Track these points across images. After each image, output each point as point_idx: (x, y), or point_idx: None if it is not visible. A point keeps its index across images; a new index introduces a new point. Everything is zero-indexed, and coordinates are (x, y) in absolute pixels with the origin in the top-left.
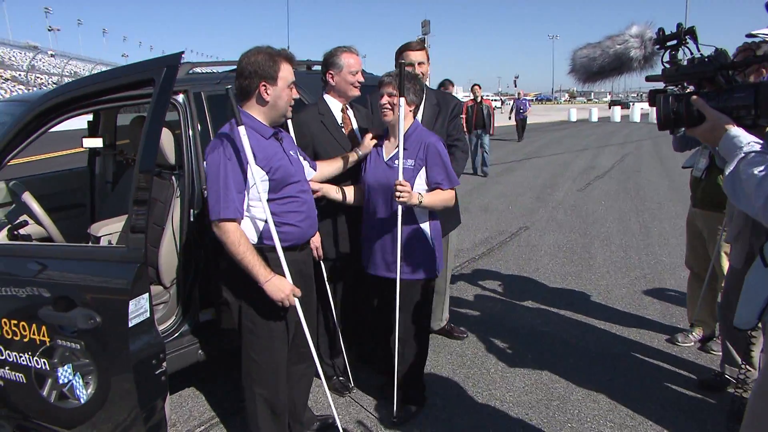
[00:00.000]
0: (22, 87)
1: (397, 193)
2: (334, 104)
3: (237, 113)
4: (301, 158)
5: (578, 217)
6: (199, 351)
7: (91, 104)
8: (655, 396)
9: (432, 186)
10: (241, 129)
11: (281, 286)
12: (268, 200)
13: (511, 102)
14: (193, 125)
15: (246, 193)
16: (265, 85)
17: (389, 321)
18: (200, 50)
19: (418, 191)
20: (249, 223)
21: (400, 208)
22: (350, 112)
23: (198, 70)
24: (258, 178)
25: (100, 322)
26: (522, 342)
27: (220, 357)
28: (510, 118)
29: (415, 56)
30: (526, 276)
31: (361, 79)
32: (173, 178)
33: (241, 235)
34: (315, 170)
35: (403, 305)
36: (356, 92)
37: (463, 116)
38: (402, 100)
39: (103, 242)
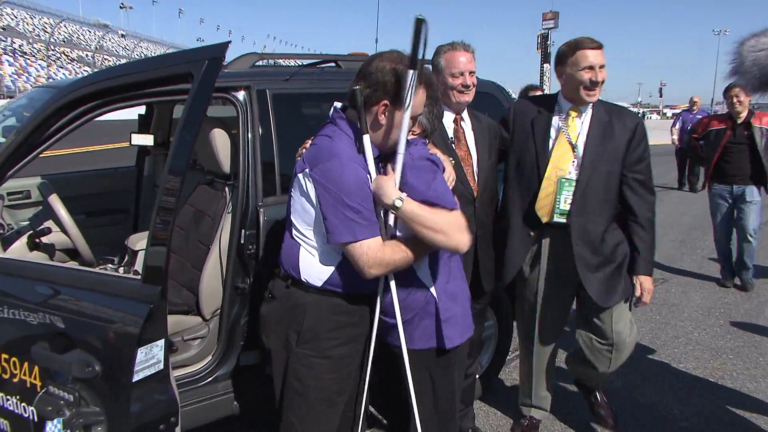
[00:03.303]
0: (88, 68)
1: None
2: (446, 114)
3: (363, 121)
4: None
5: None
6: (234, 402)
7: (125, 99)
8: None
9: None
10: (366, 139)
11: None
12: None
13: (673, 114)
14: (253, 128)
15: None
16: (386, 105)
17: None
18: (285, 38)
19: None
20: (323, 261)
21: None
22: (466, 124)
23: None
24: None
25: (100, 372)
26: None
27: (256, 411)
28: (673, 135)
29: (595, 57)
30: (661, 347)
31: (468, 82)
32: (226, 189)
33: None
34: None
35: (415, 384)
36: (462, 98)
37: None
38: (413, 73)
39: (141, 258)
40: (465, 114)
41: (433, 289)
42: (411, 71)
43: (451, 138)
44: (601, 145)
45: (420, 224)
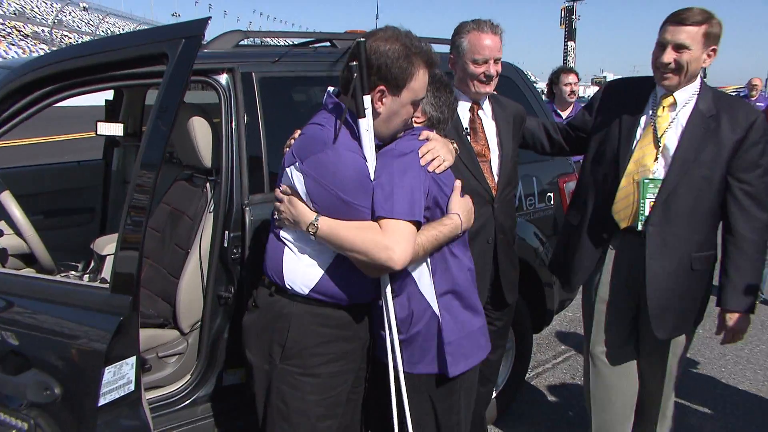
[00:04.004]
0: (44, 46)
1: (276, 205)
2: (461, 102)
3: (360, 100)
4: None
5: None
6: (216, 428)
7: (89, 82)
8: None
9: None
10: (363, 123)
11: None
12: None
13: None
14: (238, 116)
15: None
16: (383, 91)
17: None
18: (273, 14)
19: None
20: (310, 265)
21: None
22: (484, 113)
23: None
24: None
25: (59, 395)
26: None
27: None
28: None
29: (681, 35)
30: (705, 365)
31: (491, 72)
32: (207, 185)
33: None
34: None
35: (415, 413)
36: (483, 89)
37: None
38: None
39: (109, 264)
40: (485, 101)
41: (435, 305)
42: (365, 96)
43: (466, 129)
44: (698, 143)
45: (337, 246)
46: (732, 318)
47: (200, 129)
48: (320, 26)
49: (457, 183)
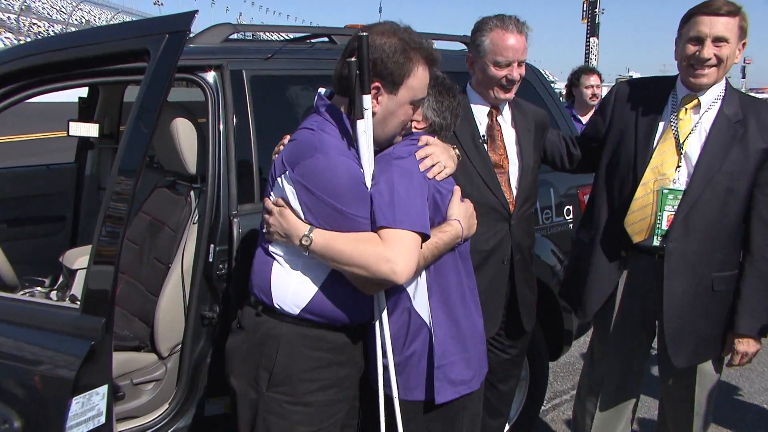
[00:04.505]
0: (10, 35)
1: (266, 217)
2: (478, 106)
3: (359, 100)
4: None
5: None
6: None
7: (61, 79)
8: None
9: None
10: (361, 125)
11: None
12: None
13: None
14: (226, 118)
15: None
16: (378, 88)
17: None
18: (267, 5)
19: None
20: (302, 282)
21: None
22: (504, 119)
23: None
24: None
25: (19, 429)
26: None
27: None
28: None
29: (719, 26)
30: (750, 398)
31: (515, 76)
32: (191, 194)
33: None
34: None
35: None
36: (503, 95)
37: None
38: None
39: (80, 278)
40: (504, 106)
41: (431, 323)
42: (365, 96)
43: (483, 137)
44: (724, 150)
45: (333, 260)
46: (741, 342)
47: (184, 131)
48: (319, 20)
49: (457, 187)
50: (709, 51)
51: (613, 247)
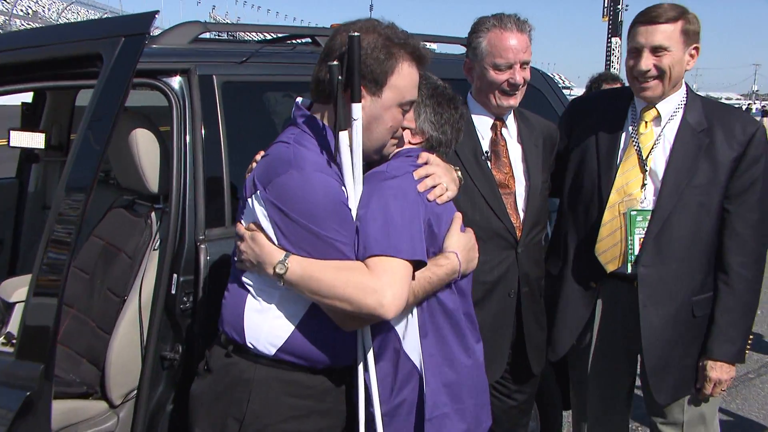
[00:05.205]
0: None
1: (237, 244)
2: (481, 117)
3: (341, 110)
4: None
5: None
6: None
7: (1, 83)
8: None
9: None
10: (344, 137)
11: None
12: None
13: None
14: (194, 129)
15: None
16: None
17: None
18: (262, 2)
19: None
20: (278, 317)
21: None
22: (510, 132)
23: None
24: None
25: None
26: None
27: None
28: None
29: (656, 35)
30: None
31: (517, 79)
32: (152, 215)
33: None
34: None
35: None
36: (506, 101)
37: None
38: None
39: (18, 313)
40: (509, 117)
41: (422, 368)
42: (353, 104)
43: (487, 153)
44: (690, 163)
45: (312, 291)
46: (714, 368)
47: (145, 144)
48: (302, 17)
49: (457, 214)
50: (647, 62)
51: (582, 278)
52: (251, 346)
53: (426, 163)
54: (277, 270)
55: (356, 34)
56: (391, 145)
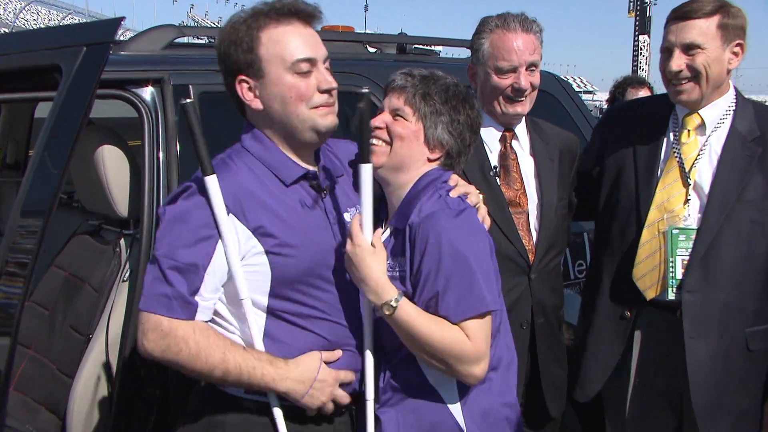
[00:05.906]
0: None
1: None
2: (487, 129)
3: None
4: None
5: None
6: None
7: None
8: None
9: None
10: (367, 171)
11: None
12: (270, 309)
13: None
14: (168, 145)
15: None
16: (244, 81)
17: None
18: (247, 0)
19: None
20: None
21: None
22: (521, 144)
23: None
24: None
25: None
26: None
27: None
28: None
29: (688, 32)
30: None
31: (523, 84)
32: (122, 243)
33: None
34: None
35: None
36: (512, 108)
37: None
38: (368, 167)
39: None
40: (520, 128)
41: (457, 409)
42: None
43: (495, 168)
44: (741, 175)
45: (411, 341)
46: None
47: (112, 161)
48: None
49: None
50: (678, 62)
51: (618, 306)
52: (223, 388)
53: (464, 192)
54: (392, 304)
55: (366, 90)
56: (320, 115)
